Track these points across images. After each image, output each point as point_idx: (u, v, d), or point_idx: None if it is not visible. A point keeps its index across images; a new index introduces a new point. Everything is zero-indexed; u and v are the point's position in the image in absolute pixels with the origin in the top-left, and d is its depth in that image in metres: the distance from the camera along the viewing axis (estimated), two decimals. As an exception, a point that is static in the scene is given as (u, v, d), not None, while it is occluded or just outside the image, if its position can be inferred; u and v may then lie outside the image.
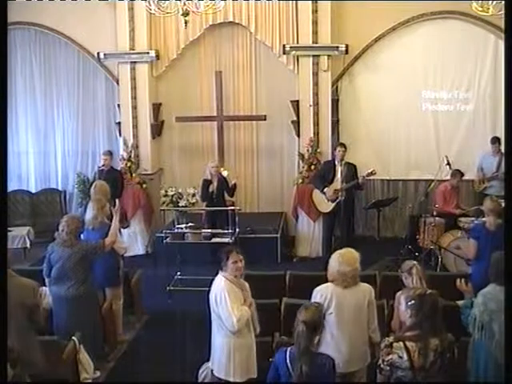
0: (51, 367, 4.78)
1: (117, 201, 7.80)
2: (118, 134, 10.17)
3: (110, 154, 9.37)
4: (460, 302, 4.83)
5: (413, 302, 3.85)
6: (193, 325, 5.08)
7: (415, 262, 5.03)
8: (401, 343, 3.77)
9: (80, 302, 5.65)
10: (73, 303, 5.64)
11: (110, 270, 6.29)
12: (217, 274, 4.83)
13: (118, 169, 9.57)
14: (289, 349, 3.88)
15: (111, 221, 6.29)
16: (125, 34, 9.65)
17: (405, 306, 3.90)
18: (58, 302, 5.73)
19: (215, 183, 8.60)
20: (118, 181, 9.24)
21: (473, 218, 8.51)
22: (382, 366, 3.81)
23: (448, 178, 8.96)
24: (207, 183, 8.62)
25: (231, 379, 4.68)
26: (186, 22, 6.32)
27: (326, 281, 4.64)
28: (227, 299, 4.54)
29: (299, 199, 9.37)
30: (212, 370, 4.83)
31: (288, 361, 3.82)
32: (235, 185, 8.78)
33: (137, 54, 9.70)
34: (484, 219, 6.48)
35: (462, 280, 4.82)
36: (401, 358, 3.73)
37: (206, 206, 8.68)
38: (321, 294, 4.54)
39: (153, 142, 10.07)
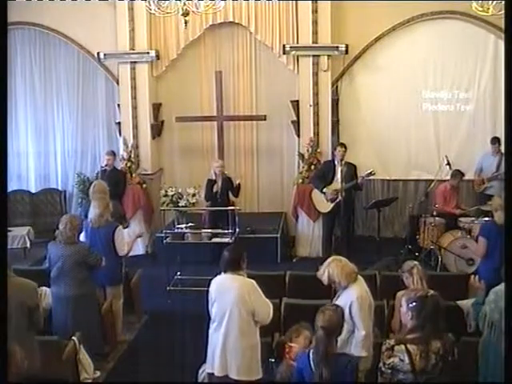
0: (51, 367, 4.77)
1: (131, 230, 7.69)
2: (118, 134, 10.17)
3: (113, 154, 9.35)
4: (463, 302, 4.84)
5: (414, 303, 3.81)
6: (193, 325, 5.09)
7: (416, 263, 5.04)
8: (402, 346, 3.72)
9: (79, 302, 5.66)
10: (72, 303, 5.65)
11: (112, 269, 6.28)
12: (216, 274, 4.85)
13: (123, 169, 9.57)
14: (311, 352, 3.85)
15: (115, 219, 6.33)
16: (125, 34, 9.64)
17: (406, 308, 3.86)
18: (58, 301, 5.73)
19: (219, 183, 8.60)
20: (121, 181, 9.24)
21: (473, 218, 8.53)
22: (382, 369, 3.76)
23: (448, 178, 8.96)
24: (211, 183, 8.61)
25: (254, 378, 4.71)
26: (186, 22, 6.30)
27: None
28: (261, 292, 4.69)
29: (299, 199, 9.36)
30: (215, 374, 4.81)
31: (312, 364, 3.80)
32: (239, 185, 8.77)
33: (137, 53, 9.70)
34: (487, 218, 6.46)
35: (476, 277, 4.83)
36: (402, 361, 3.69)
37: (210, 206, 8.68)
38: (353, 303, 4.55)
39: (153, 142, 10.07)
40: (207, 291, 4.85)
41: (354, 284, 4.61)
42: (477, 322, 4.60)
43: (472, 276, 4.89)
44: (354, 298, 4.54)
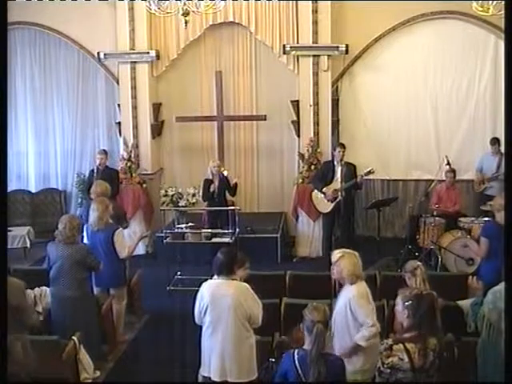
0: (51, 367, 4.76)
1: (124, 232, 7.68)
2: (118, 134, 10.17)
3: (105, 153, 9.23)
4: (463, 302, 4.83)
5: (410, 302, 3.83)
6: (193, 325, 5.09)
7: (419, 263, 5.00)
8: (400, 345, 3.73)
9: (78, 303, 5.66)
10: (71, 303, 5.64)
11: (115, 271, 6.30)
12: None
13: (116, 168, 9.51)
14: (295, 352, 3.81)
15: (115, 220, 6.32)
16: (125, 34, 9.64)
17: (402, 307, 3.88)
18: (57, 301, 5.73)
19: (216, 183, 8.58)
20: (114, 180, 9.19)
21: (473, 218, 8.54)
22: (381, 368, 3.76)
23: (448, 178, 8.97)
24: (208, 183, 8.61)
25: (253, 378, 4.71)
26: (186, 22, 6.32)
27: (327, 281, 4.64)
28: (255, 295, 4.67)
29: (299, 199, 9.37)
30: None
31: (298, 364, 3.75)
32: (236, 184, 8.75)
33: (137, 53, 9.70)
34: (487, 218, 6.45)
35: (474, 278, 4.81)
36: (401, 360, 3.70)
37: (208, 205, 8.67)
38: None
39: (153, 141, 10.07)
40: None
41: (356, 284, 4.58)
42: (475, 323, 4.58)
43: (470, 276, 4.85)
44: (351, 295, 4.51)
